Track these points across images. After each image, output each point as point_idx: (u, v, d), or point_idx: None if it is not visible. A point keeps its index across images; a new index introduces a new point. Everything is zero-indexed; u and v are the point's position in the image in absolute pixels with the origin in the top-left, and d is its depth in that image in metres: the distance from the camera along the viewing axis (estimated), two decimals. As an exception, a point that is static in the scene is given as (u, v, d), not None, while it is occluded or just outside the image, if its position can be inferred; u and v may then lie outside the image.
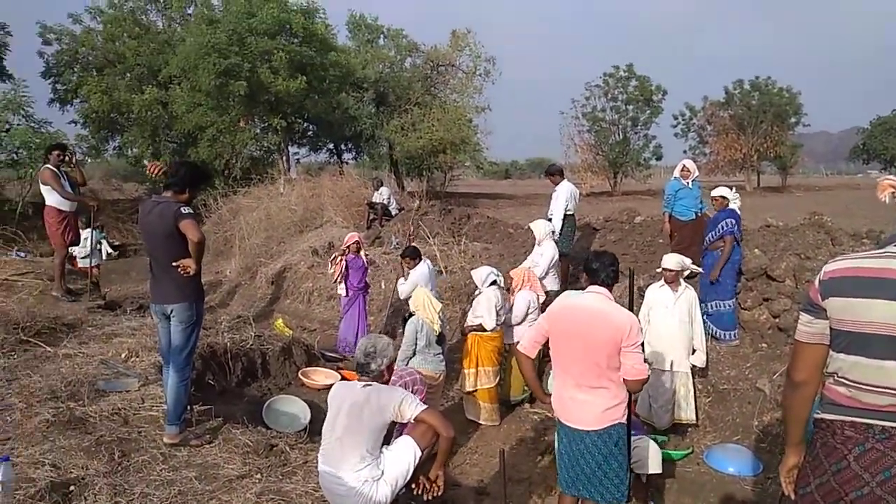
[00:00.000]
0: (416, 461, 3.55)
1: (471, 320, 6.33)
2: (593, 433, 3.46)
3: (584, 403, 3.47)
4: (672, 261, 5.77)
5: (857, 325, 2.05)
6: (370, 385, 3.58)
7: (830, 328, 2.13)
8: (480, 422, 6.21)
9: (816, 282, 2.17)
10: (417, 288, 6.54)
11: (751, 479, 5.00)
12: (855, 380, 2.09)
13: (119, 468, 3.97)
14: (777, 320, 6.67)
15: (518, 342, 6.07)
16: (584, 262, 3.73)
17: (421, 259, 7.49)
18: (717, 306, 6.67)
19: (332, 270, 8.67)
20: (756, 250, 7.64)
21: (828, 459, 2.17)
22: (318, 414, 6.26)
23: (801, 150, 39.71)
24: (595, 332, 3.40)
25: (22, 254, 10.98)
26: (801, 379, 2.23)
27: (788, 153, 36.73)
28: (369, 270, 9.06)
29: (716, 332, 6.72)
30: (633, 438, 3.92)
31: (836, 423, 2.15)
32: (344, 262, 8.42)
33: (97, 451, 4.09)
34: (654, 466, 4.48)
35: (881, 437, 2.07)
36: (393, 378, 5.45)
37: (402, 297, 7.28)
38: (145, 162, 19.74)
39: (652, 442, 4.61)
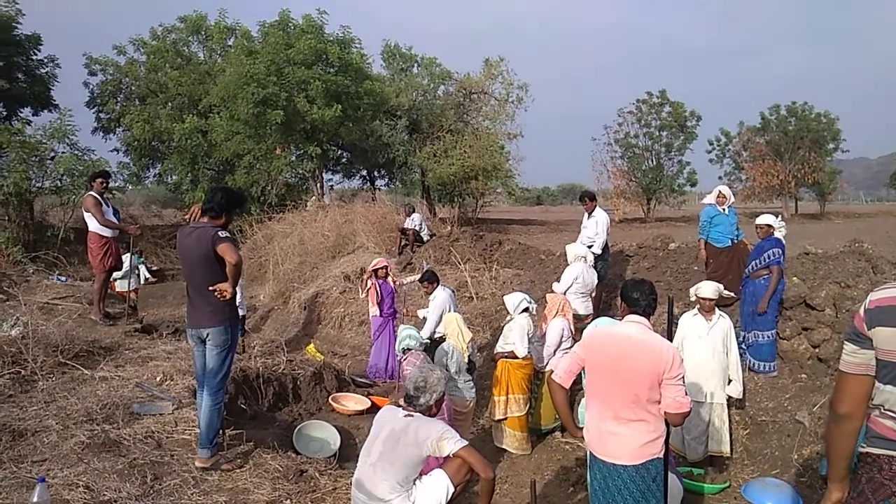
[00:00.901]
0: (449, 497, 3.49)
1: (501, 346, 6.29)
2: (631, 468, 3.30)
3: (621, 437, 3.32)
4: (710, 289, 5.66)
5: None
6: (412, 416, 3.55)
7: (876, 359, 2.06)
8: (511, 451, 6.13)
9: (861, 310, 2.11)
10: (449, 314, 6.54)
11: (791, 515, 4.84)
12: None
13: (151, 491, 4.01)
14: (817, 350, 6.49)
15: (551, 370, 6.07)
16: (622, 290, 3.61)
17: (439, 283, 7.50)
18: (756, 336, 6.52)
19: (363, 295, 8.75)
20: (795, 278, 7.48)
21: (875, 495, 2.11)
22: (348, 440, 6.27)
23: (840, 176, 38.90)
24: (635, 363, 3.28)
25: (63, 278, 11.27)
26: (845, 411, 2.14)
27: (827, 179, 36.00)
28: (399, 296, 9.09)
29: (754, 364, 6.56)
30: None
31: (882, 458, 2.09)
32: (376, 285, 8.49)
33: (130, 473, 4.14)
34: None
35: None
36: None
37: (425, 335, 7.20)
38: (188, 203, 20.27)
39: (675, 478, 4.47)
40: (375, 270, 8.68)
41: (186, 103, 21.71)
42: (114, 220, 8.06)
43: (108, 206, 8.05)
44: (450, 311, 7.20)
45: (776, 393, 6.31)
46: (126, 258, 10.74)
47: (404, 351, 5.73)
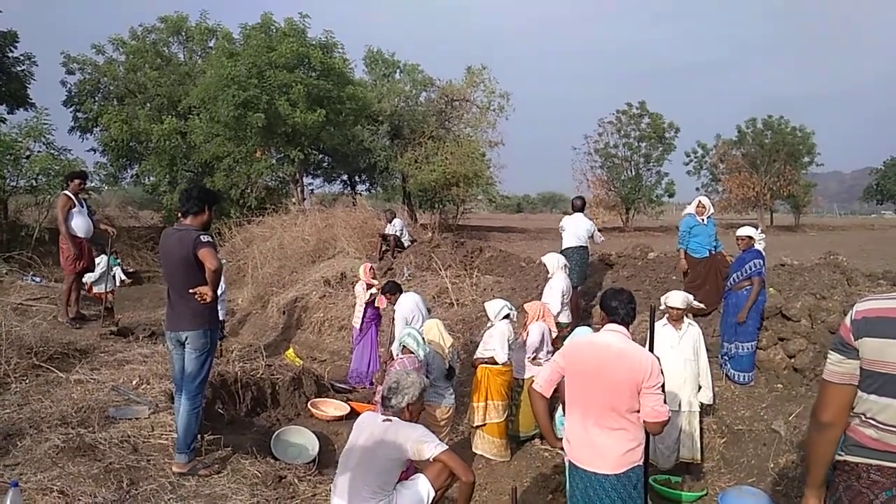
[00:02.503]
0: (429, 501, 3.49)
1: (481, 353, 6.29)
2: (612, 477, 3.31)
3: (601, 446, 3.33)
4: (678, 299, 5.70)
5: (893, 366, 2.02)
6: (390, 420, 3.55)
7: (861, 368, 2.09)
8: (489, 457, 6.13)
9: (848, 321, 2.13)
10: (430, 320, 6.52)
11: (767, 523, 4.89)
12: (884, 422, 2.06)
13: (127, 496, 3.95)
14: (793, 360, 6.58)
15: (530, 377, 6.08)
16: (602, 300, 3.64)
17: (401, 292, 7.44)
18: (737, 348, 6.59)
19: (365, 300, 8.62)
20: (771, 289, 7.58)
21: (853, 503, 2.13)
22: (327, 446, 6.23)
23: (814, 189, 39.60)
24: (615, 373, 3.29)
25: (37, 279, 11.08)
26: (828, 420, 2.17)
27: (801, 192, 36.63)
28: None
29: (733, 375, 6.64)
30: None
31: (861, 467, 2.12)
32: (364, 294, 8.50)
33: (105, 478, 4.07)
34: None
35: None
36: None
37: (395, 348, 7.15)
38: (166, 205, 20.01)
39: None
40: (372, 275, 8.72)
41: (165, 104, 21.49)
42: (83, 224, 7.86)
43: (83, 207, 7.92)
44: (419, 317, 7.12)
45: (752, 402, 6.39)
46: (102, 260, 10.61)
47: (403, 349, 5.63)
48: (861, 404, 2.11)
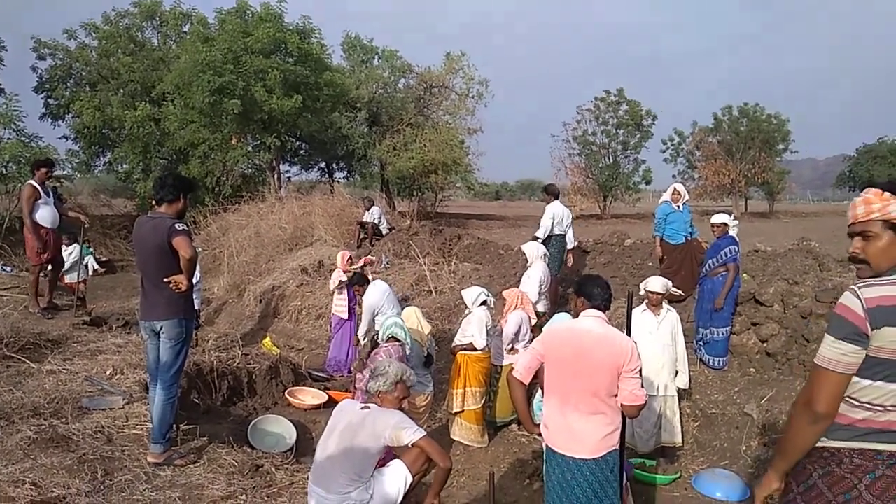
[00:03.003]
0: (407, 487, 3.51)
1: (459, 339, 6.30)
2: (591, 461, 3.35)
3: (581, 431, 3.36)
4: (658, 284, 5.75)
5: None
6: (368, 407, 3.56)
7: (869, 357, 2.04)
8: (467, 443, 6.16)
9: (859, 310, 2.02)
10: (409, 308, 6.52)
11: (738, 504, 4.99)
12: (882, 404, 2.06)
13: (101, 487, 3.91)
14: (765, 345, 6.69)
15: (508, 364, 6.11)
16: (579, 286, 3.65)
17: (369, 283, 7.41)
18: (712, 333, 6.68)
19: (334, 287, 8.62)
20: (745, 275, 7.69)
21: (832, 490, 2.13)
22: (305, 434, 6.22)
23: (789, 176, 40.08)
24: (595, 358, 3.33)
25: (8, 268, 10.89)
26: (826, 411, 2.08)
27: (776, 179, 37.05)
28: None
29: (707, 359, 6.73)
30: None
31: (843, 452, 2.11)
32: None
33: (79, 469, 4.03)
34: None
35: (890, 462, 2.06)
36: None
37: (360, 335, 7.14)
38: (139, 193, 19.72)
39: None
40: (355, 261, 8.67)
41: (139, 90, 21.10)
42: (49, 215, 7.68)
43: (50, 196, 7.74)
44: (387, 306, 7.08)
45: (725, 386, 6.49)
46: (74, 249, 10.44)
47: (389, 339, 5.61)
48: (862, 391, 2.07)
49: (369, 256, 8.86)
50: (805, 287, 6.91)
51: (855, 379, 2.07)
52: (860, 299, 2.03)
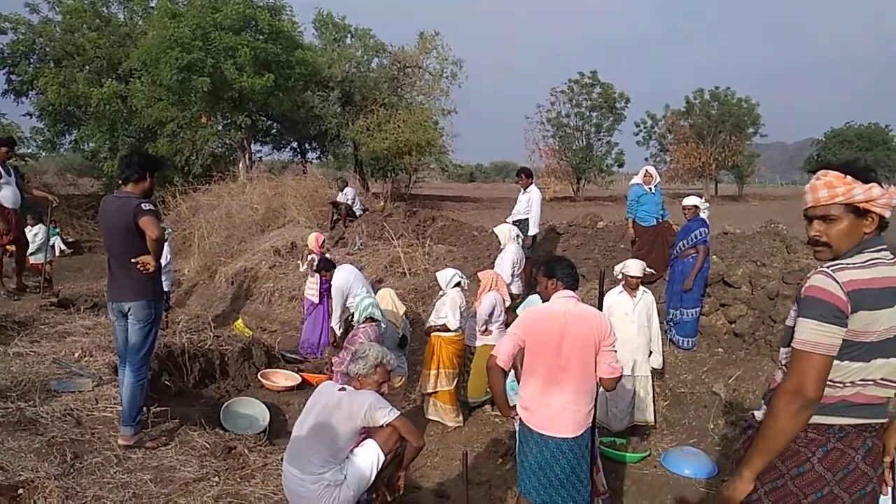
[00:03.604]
0: (380, 465, 3.54)
1: (433, 321, 6.33)
2: (571, 440, 3.43)
3: (564, 411, 3.43)
4: (637, 267, 5.80)
5: (877, 333, 2.06)
6: (345, 389, 3.57)
7: (844, 339, 2.06)
8: (443, 422, 6.21)
9: (840, 293, 2.03)
10: (383, 290, 6.51)
11: (706, 481, 5.10)
12: (843, 381, 2.11)
13: (71, 470, 3.86)
14: (733, 326, 6.82)
15: (482, 345, 6.15)
16: (546, 268, 3.69)
17: (335, 268, 7.36)
18: (682, 314, 6.78)
19: (304, 268, 8.63)
20: (714, 257, 7.81)
21: (786, 464, 2.18)
22: (278, 416, 6.21)
23: (758, 159, 40.69)
24: (579, 336, 3.40)
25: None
26: (817, 395, 2.06)
27: (745, 163, 37.61)
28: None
29: (677, 339, 6.84)
30: None
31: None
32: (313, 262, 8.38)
33: (48, 452, 3.98)
34: None
35: (840, 435, 2.12)
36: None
37: (334, 324, 7.06)
38: (106, 172, 19.27)
39: None
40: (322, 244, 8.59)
41: (105, 67, 20.54)
42: (10, 195, 7.45)
43: (12, 176, 7.52)
44: (357, 286, 7.05)
45: (694, 366, 6.61)
46: (39, 229, 10.23)
47: (367, 319, 5.58)
48: (843, 371, 2.11)
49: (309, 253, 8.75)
50: (772, 269, 7.04)
51: (842, 363, 2.09)
52: (838, 282, 2.04)
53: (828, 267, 2.10)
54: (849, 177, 2.14)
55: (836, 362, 2.08)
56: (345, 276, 7.03)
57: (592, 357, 3.42)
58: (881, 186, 2.11)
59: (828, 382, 2.10)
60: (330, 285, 8.50)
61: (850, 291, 2.03)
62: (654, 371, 5.98)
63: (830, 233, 2.17)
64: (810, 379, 2.05)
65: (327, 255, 8.71)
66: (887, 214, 2.14)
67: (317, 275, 8.39)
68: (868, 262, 2.09)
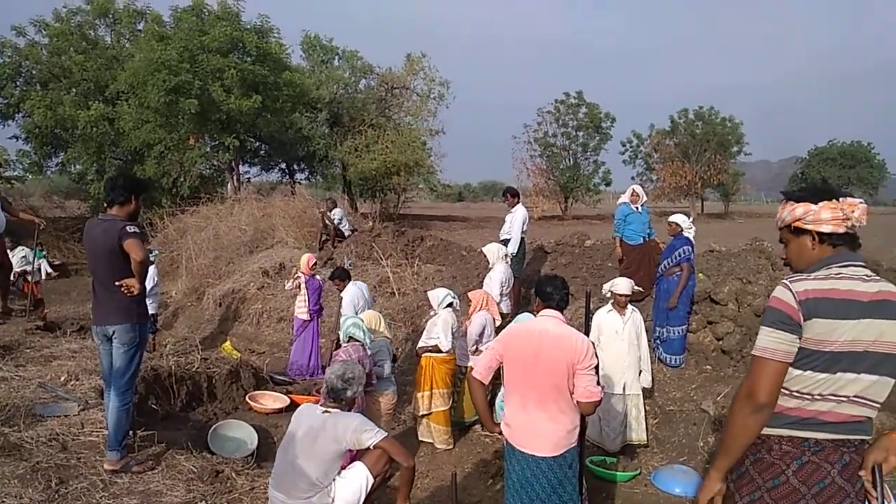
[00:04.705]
0: (369, 489, 3.50)
1: (424, 342, 6.31)
2: (550, 459, 3.41)
3: (541, 429, 3.42)
4: (625, 286, 5.84)
5: (836, 344, 2.09)
6: (329, 412, 3.53)
7: (800, 347, 2.12)
8: (437, 445, 6.17)
9: (792, 301, 2.11)
10: (370, 311, 6.50)
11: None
12: (811, 392, 2.14)
13: (56, 496, 3.81)
14: (721, 343, 6.85)
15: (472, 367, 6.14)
16: (536, 286, 3.72)
17: (350, 280, 7.46)
18: (668, 332, 6.81)
19: (289, 286, 8.58)
20: (700, 275, 7.86)
21: (762, 476, 2.22)
22: (266, 439, 6.15)
23: (743, 178, 41.09)
24: (552, 356, 3.38)
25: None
26: (767, 400, 2.13)
27: (731, 181, 37.96)
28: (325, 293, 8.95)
29: (664, 357, 6.86)
30: None
31: (773, 438, 2.20)
32: (303, 282, 8.35)
33: (33, 478, 3.92)
34: None
35: (815, 449, 2.15)
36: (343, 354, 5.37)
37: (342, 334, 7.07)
38: (93, 195, 19.13)
39: None
40: (312, 266, 8.52)
41: (92, 89, 20.54)
42: None
43: None
44: (364, 305, 7.14)
45: (683, 384, 6.63)
46: (19, 252, 10.17)
47: (349, 339, 5.56)
48: (793, 380, 2.15)
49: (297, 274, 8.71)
50: (758, 286, 7.10)
51: (791, 370, 2.15)
52: (792, 291, 2.13)
53: (787, 279, 2.20)
54: (790, 201, 2.29)
55: (798, 372, 2.14)
56: (357, 291, 7.24)
57: (565, 379, 3.38)
58: (835, 202, 2.21)
59: (795, 393, 2.15)
60: (320, 307, 8.52)
61: (804, 300, 2.11)
62: (644, 390, 5.99)
63: (786, 253, 2.37)
64: (761, 383, 2.14)
65: (317, 276, 8.67)
66: (825, 229, 2.21)
67: (305, 294, 8.36)
68: (830, 276, 2.16)
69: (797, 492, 2.16)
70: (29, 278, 9.78)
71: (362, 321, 5.67)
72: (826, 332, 2.09)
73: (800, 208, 2.24)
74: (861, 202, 2.22)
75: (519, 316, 6.00)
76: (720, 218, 35.03)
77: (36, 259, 10.93)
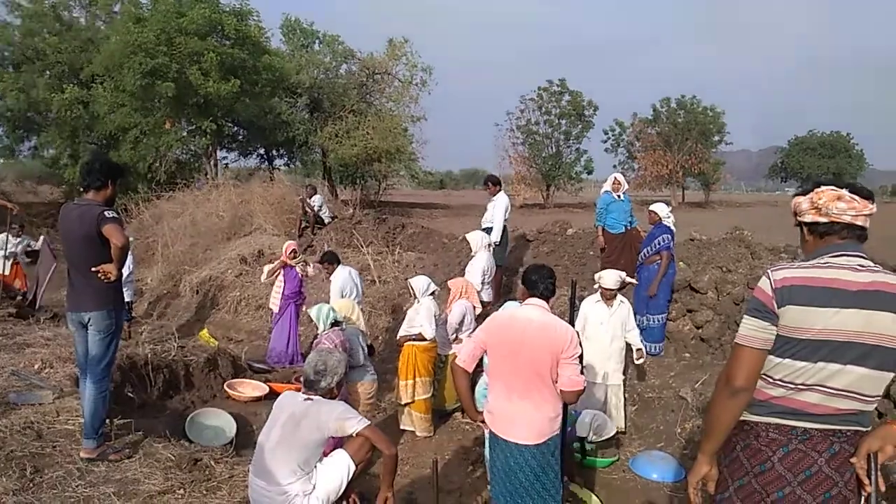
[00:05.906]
0: (350, 476, 3.49)
1: (406, 330, 6.28)
2: (532, 447, 3.42)
3: (523, 417, 3.43)
4: (611, 280, 5.84)
5: (813, 332, 2.10)
6: (311, 399, 3.50)
7: (778, 335, 2.15)
8: (418, 433, 6.16)
9: (768, 289, 2.15)
10: (345, 299, 6.46)
11: (673, 484, 5.14)
12: (793, 381, 2.15)
13: (31, 485, 3.76)
14: (700, 331, 6.91)
15: (453, 353, 6.13)
16: (523, 275, 3.71)
17: (340, 263, 7.39)
18: (649, 320, 6.85)
19: (265, 278, 8.46)
20: (681, 263, 7.91)
21: (750, 461, 2.25)
22: (245, 427, 6.10)
23: (724, 167, 41.51)
24: (535, 345, 3.38)
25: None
26: (743, 385, 2.17)
27: (711, 170, 38.34)
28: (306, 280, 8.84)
29: (644, 345, 6.90)
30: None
31: (760, 426, 2.22)
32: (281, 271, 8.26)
33: (7, 467, 3.86)
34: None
35: (803, 437, 2.16)
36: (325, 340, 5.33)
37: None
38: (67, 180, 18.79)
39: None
40: (292, 252, 8.40)
41: (66, 72, 20.17)
42: None
43: None
44: (352, 291, 7.12)
45: (662, 371, 6.68)
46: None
47: (332, 325, 5.50)
48: (774, 368, 2.18)
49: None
50: (738, 275, 7.16)
51: (768, 357, 2.19)
52: (770, 280, 2.18)
53: (770, 267, 2.25)
54: (798, 197, 2.34)
55: (778, 360, 2.17)
56: (346, 275, 7.18)
57: (548, 368, 3.38)
58: (812, 192, 2.27)
59: (779, 382, 2.18)
60: (296, 293, 8.41)
61: (779, 288, 2.14)
62: (634, 371, 6.00)
63: (802, 243, 2.39)
64: (738, 369, 2.19)
65: (293, 264, 8.51)
66: (807, 219, 2.27)
67: (282, 283, 8.27)
68: (816, 264, 2.18)
69: (783, 478, 2.18)
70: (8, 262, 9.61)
71: (334, 311, 5.62)
72: (801, 319, 2.11)
73: (803, 202, 2.29)
74: (830, 189, 2.22)
75: (506, 304, 6.00)
76: (701, 207, 35.35)
77: (17, 245, 10.77)
